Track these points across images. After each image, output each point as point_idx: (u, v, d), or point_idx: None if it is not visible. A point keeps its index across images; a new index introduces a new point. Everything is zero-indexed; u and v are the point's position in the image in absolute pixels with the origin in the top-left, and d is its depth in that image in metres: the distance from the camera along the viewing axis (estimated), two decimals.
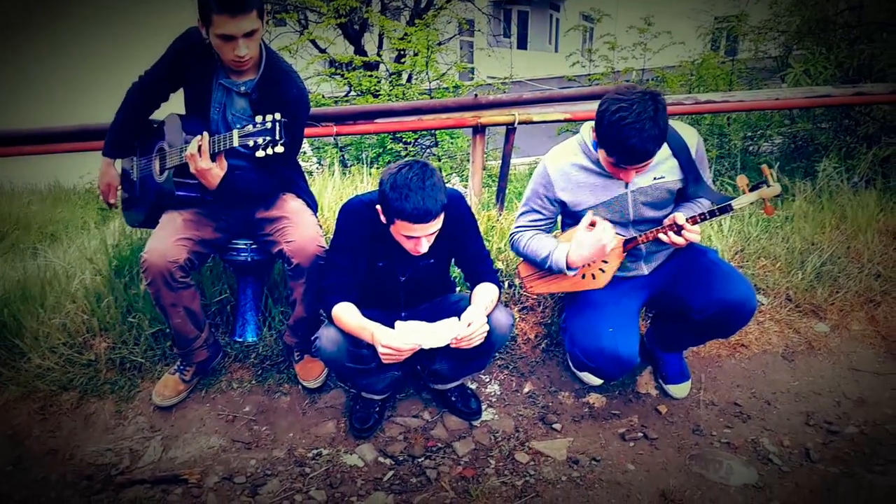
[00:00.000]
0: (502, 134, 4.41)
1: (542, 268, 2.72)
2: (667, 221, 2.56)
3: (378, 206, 2.39)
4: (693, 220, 2.52)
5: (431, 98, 7.54)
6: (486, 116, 4.21)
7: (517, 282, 3.40)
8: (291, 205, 2.85)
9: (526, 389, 3.11)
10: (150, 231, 2.83)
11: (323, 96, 8.36)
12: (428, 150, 7.54)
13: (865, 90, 4.71)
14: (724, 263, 2.74)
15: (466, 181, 4.91)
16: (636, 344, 2.65)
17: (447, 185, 2.44)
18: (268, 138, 2.43)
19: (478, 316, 2.40)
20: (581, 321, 2.73)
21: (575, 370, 3.12)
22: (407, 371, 2.95)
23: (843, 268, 3.76)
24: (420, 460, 2.71)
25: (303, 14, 10.07)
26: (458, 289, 2.98)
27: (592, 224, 2.55)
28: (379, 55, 9.90)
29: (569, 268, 2.60)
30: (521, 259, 2.87)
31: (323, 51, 9.58)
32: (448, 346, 2.37)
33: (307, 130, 3.51)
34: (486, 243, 3.08)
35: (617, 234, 2.67)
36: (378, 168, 6.11)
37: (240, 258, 2.95)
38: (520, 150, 6.27)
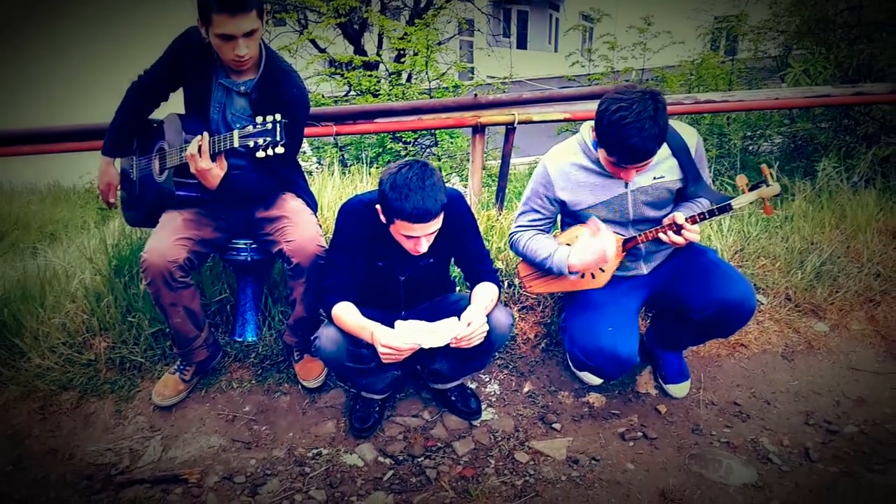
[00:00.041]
0: (502, 133, 4.41)
1: (542, 268, 2.72)
2: (666, 221, 2.57)
3: (378, 206, 2.39)
4: (692, 220, 2.52)
5: (431, 98, 7.54)
6: (486, 116, 4.21)
7: (517, 281, 3.40)
8: (291, 204, 2.85)
9: (526, 389, 3.11)
10: (150, 230, 2.83)
11: (323, 96, 8.36)
12: (428, 150, 7.54)
13: (865, 90, 4.71)
14: (723, 263, 2.75)
15: (466, 181, 4.91)
16: (635, 343, 2.65)
17: (447, 184, 2.44)
18: (268, 139, 2.43)
19: (477, 315, 2.40)
20: (580, 321, 2.73)
21: (574, 370, 3.12)
22: (407, 371, 2.95)
23: (843, 267, 3.77)
24: (420, 460, 2.71)
25: (302, 14, 10.07)
26: (457, 288, 2.98)
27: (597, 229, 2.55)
28: (378, 55, 9.90)
29: (570, 271, 2.61)
30: (521, 259, 2.88)
31: (323, 50, 9.57)
32: (448, 345, 2.37)
33: (307, 130, 3.51)
34: (486, 243, 3.08)
35: (616, 233, 2.67)
36: (378, 168, 6.11)
37: (239, 258, 2.95)
38: (519, 150, 6.28)
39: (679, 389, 3.07)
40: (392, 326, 2.37)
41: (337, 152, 7.22)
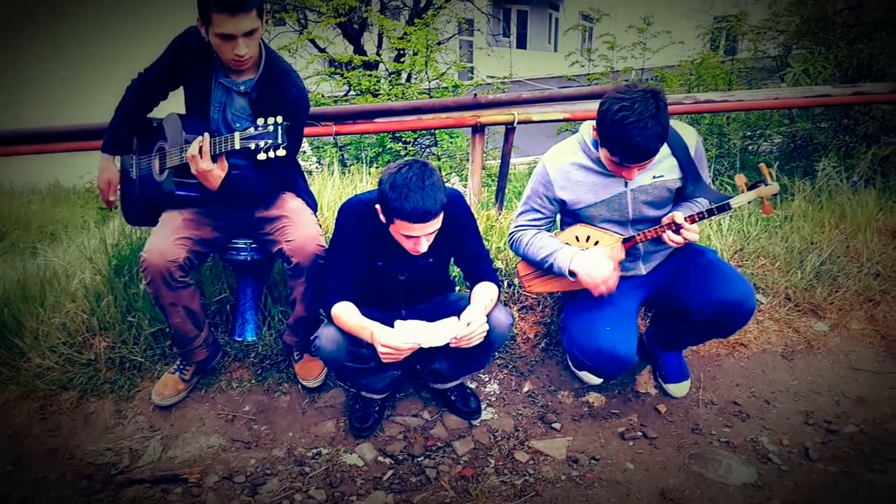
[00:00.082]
0: (502, 133, 4.41)
1: (542, 267, 2.72)
2: (665, 220, 2.57)
3: (377, 206, 2.39)
4: (691, 219, 2.52)
5: (431, 97, 7.53)
6: (486, 116, 4.21)
7: (516, 281, 3.40)
8: (291, 204, 2.85)
9: (525, 389, 3.11)
10: (150, 230, 2.83)
11: (322, 96, 8.35)
12: (427, 150, 7.54)
13: (864, 90, 4.72)
14: (722, 263, 2.75)
15: (466, 180, 4.91)
16: (634, 343, 2.65)
17: (446, 184, 2.44)
18: (269, 142, 2.43)
19: (477, 315, 2.40)
20: (579, 320, 2.74)
21: (574, 369, 3.12)
22: (406, 370, 2.95)
23: (843, 267, 3.77)
24: (420, 459, 2.71)
25: (302, 13, 10.06)
26: (457, 288, 2.98)
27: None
28: (378, 54, 9.89)
29: (570, 274, 2.61)
30: (520, 258, 2.88)
31: (322, 50, 9.56)
32: (447, 345, 2.37)
33: (307, 130, 3.51)
34: (486, 243, 3.08)
35: (615, 232, 2.67)
36: (377, 167, 6.11)
37: (239, 257, 2.95)
38: (519, 150, 6.28)
39: (679, 389, 3.07)
40: (392, 326, 2.37)
41: (337, 152, 7.22)
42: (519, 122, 4.22)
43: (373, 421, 2.83)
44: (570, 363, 3.15)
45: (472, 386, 3.10)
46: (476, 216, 2.94)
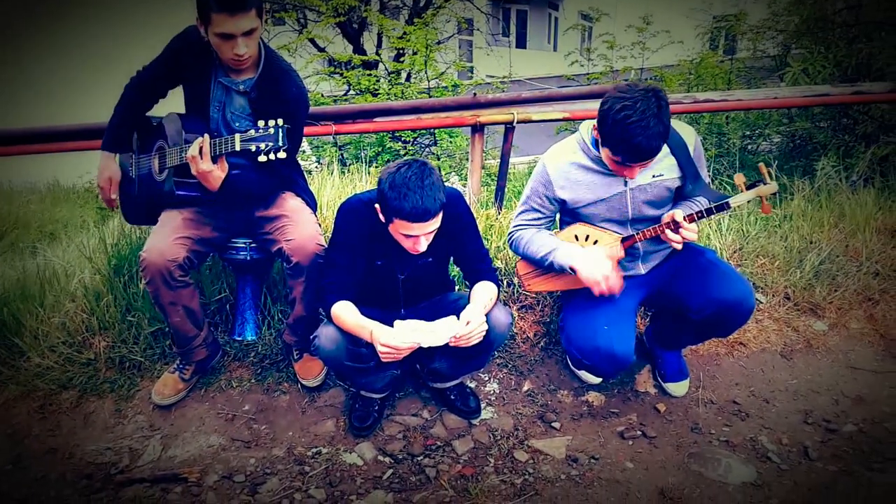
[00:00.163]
0: (501, 133, 4.41)
1: (542, 266, 2.73)
2: (665, 218, 2.56)
3: (377, 205, 2.39)
4: (690, 218, 2.52)
5: (430, 97, 7.53)
6: (485, 115, 4.21)
7: (516, 280, 3.41)
8: (291, 203, 2.85)
9: (525, 388, 3.11)
10: (149, 230, 2.82)
11: (322, 95, 8.34)
12: (427, 149, 7.53)
13: (864, 89, 4.72)
14: (722, 263, 2.75)
15: (465, 180, 4.92)
16: (632, 342, 2.65)
17: (446, 183, 2.44)
18: (270, 144, 2.44)
19: (476, 314, 2.40)
20: (577, 319, 2.74)
21: (573, 368, 3.13)
22: (406, 370, 2.96)
23: (842, 266, 3.77)
24: (419, 459, 2.71)
25: (302, 13, 10.06)
26: (456, 287, 2.98)
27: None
28: (378, 54, 9.88)
29: (571, 269, 2.61)
30: (520, 257, 2.88)
31: (322, 50, 9.56)
32: (447, 344, 2.37)
33: (306, 129, 3.51)
34: (485, 242, 3.08)
35: (615, 232, 2.67)
36: (377, 167, 6.11)
37: (239, 257, 2.95)
38: (519, 149, 6.27)
39: (678, 388, 3.07)
40: (391, 325, 2.37)
41: (336, 151, 7.21)
42: (518, 122, 4.22)
43: (372, 420, 2.83)
44: (569, 362, 3.15)
45: (472, 385, 3.10)
46: (475, 215, 2.94)
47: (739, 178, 2.50)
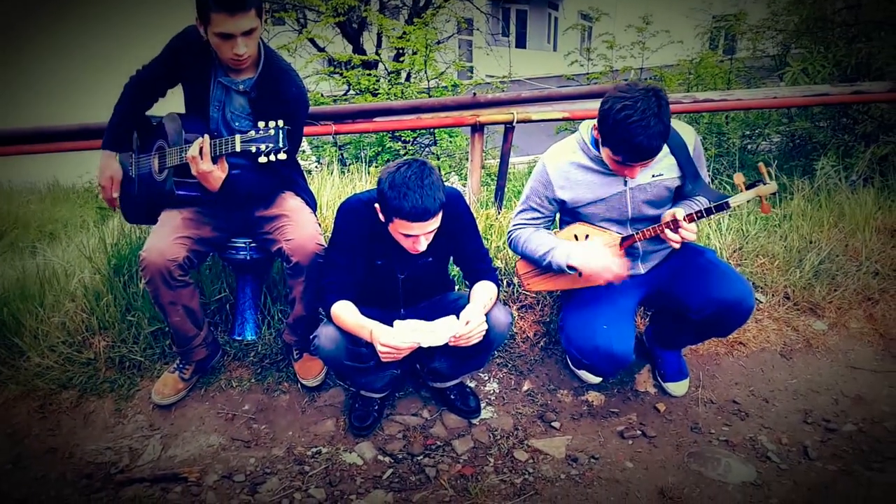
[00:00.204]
0: (501, 133, 4.41)
1: (541, 265, 2.73)
2: (666, 217, 2.55)
3: (376, 205, 2.39)
4: (690, 218, 2.52)
5: (430, 97, 7.53)
6: (485, 115, 4.21)
7: (516, 280, 3.41)
8: (290, 203, 2.85)
9: (525, 388, 3.12)
10: (149, 229, 2.82)
11: (322, 95, 8.34)
12: (427, 149, 7.53)
13: (863, 89, 4.72)
14: (721, 263, 2.75)
15: (465, 180, 4.92)
16: (631, 341, 2.66)
17: (446, 183, 2.44)
18: (270, 145, 2.44)
19: (476, 314, 2.40)
20: (576, 319, 2.74)
21: (573, 368, 3.13)
22: (406, 369, 2.96)
23: (841, 266, 3.77)
24: (419, 458, 2.71)
25: (301, 13, 10.06)
26: (456, 287, 2.98)
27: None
28: (378, 54, 9.88)
29: (568, 267, 2.61)
30: (519, 256, 2.88)
31: (322, 49, 9.55)
32: (447, 344, 2.37)
33: (306, 129, 3.51)
34: (485, 242, 3.09)
35: (615, 231, 2.67)
36: (377, 167, 6.11)
37: (239, 256, 2.95)
38: (518, 149, 6.27)
39: (678, 388, 3.07)
40: (391, 325, 2.37)
41: (336, 151, 7.21)
42: (518, 122, 4.22)
43: (372, 420, 2.83)
44: (569, 362, 3.16)
45: (472, 385, 3.10)
46: (475, 215, 2.94)
47: (739, 178, 2.50)
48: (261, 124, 2.46)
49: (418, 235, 2.34)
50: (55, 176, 8.88)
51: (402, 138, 7.25)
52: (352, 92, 8.59)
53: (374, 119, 4.16)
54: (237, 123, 2.70)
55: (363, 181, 4.51)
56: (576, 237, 2.71)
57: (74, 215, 6.84)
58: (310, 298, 2.77)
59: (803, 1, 6.14)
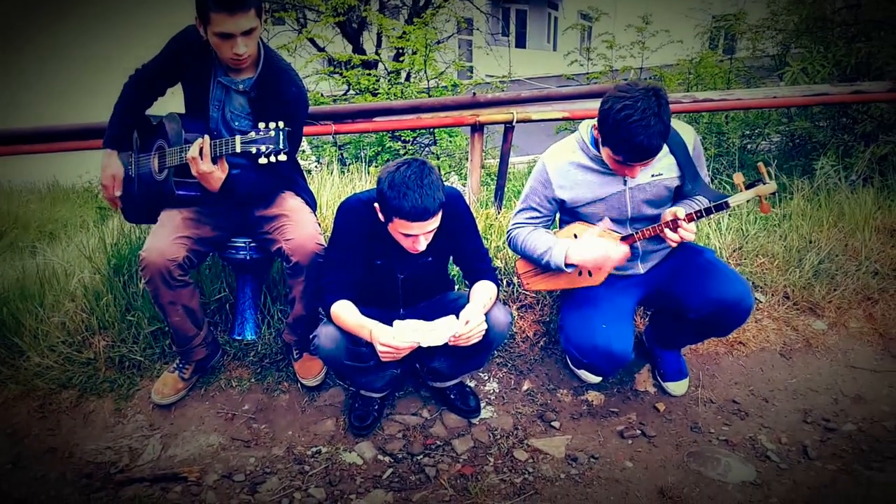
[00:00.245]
0: (501, 132, 4.41)
1: (540, 264, 2.73)
2: (666, 216, 2.55)
3: (376, 205, 2.39)
4: (689, 217, 2.52)
5: (430, 96, 7.53)
6: (485, 115, 4.21)
7: (516, 280, 3.41)
8: (290, 203, 2.85)
9: (524, 387, 3.12)
10: (149, 229, 2.82)
11: (322, 95, 8.33)
12: (426, 149, 7.53)
13: (863, 88, 4.72)
14: (720, 263, 2.75)
15: (465, 179, 4.92)
16: (630, 340, 2.66)
17: (446, 183, 2.44)
18: (271, 147, 2.44)
19: (476, 314, 2.40)
20: (575, 318, 2.74)
21: (573, 368, 3.13)
22: (406, 369, 2.96)
23: (841, 265, 3.77)
24: (419, 458, 2.71)
25: (301, 13, 10.05)
26: (456, 287, 2.98)
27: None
28: (377, 54, 9.87)
29: (567, 265, 2.61)
30: (519, 256, 2.88)
31: (321, 49, 9.55)
32: (447, 343, 2.37)
33: (306, 129, 3.51)
34: (485, 241, 3.08)
35: (614, 231, 2.67)
36: (376, 166, 6.10)
37: (238, 256, 2.95)
38: (518, 149, 6.27)
39: (678, 387, 3.07)
40: (391, 325, 2.37)
41: (336, 151, 7.21)
42: (518, 121, 4.22)
43: (372, 419, 2.83)
44: (568, 362, 3.16)
45: (472, 384, 3.10)
46: (475, 215, 2.94)
47: (738, 178, 2.50)
48: (261, 125, 2.45)
49: (418, 235, 2.34)
50: (55, 176, 8.87)
51: (402, 138, 7.25)
52: (351, 92, 8.59)
53: (374, 119, 4.16)
54: (237, 123, 2.70)
55: (363, 181, 4.51)
56: (575, 236, 2.71)
57: (74, 215, 6.84)
58: (309, 298, 2.77)
59: (803, 1, 6.14)
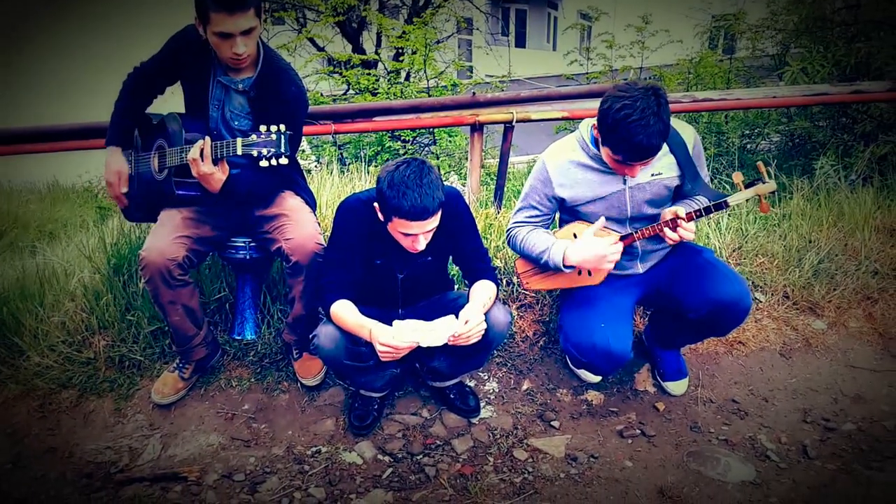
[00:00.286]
0: (500, 132, 4.41)
1: (538, 264, 2.73)
2: (666, 215, 2.55)
3: (375, 204, 2.39)
4: (689, 217, 2.52)
5: (430, 96, 7.53)
6: (485, 115, 4.21)
7: (515, 279, 3.41)
8: (290, 202, 2.85)
9: (524, 387, 3.12)
10: (149, 229, 2.82)
11: (321, 94, 8.33)
12: (426, 149, 7.53)
13: (863, 88, 4.73)
14: (719, 263, 2.75)
15: (465, 179, 4.92)
16: (629, 339, 2.66)
17: (445, 183, 2.44)
18: (272, 150, 2.44)
19: (475, 313, 2.40)
20: (575, 317, 2.74)
21: (573, 367, 3.13)
22: (405, 368, 2.96)
23: (841, 265, 3.77)
24: (419, 458, 2.71)
25: (301, 12, 10.04)
26: (456, 286, 2.98)
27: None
28: (377, 53, 9.87)
29: (565, 265, 2.61)
30: (518, 255, 2.88)
31: (321, 49, 9.55)
32: (446, 343, 2.37)
33: (306, 128, 3.51)
34: (485, 241, 3.09)
35: (613, 230, 2.67)
36: (376, 166, 6.10)
37: (238, 256, 2.95)
38: (518, 149, 6.27)
39: (677, 387, 3.07)
40: (390, 324, 2.37)
41: (336, 151, 7.21)
42: (517, 121, 4.23)
43: (372, 419, 2.83)
44: (568, 361, 3.16)
45: (471, 384, 3.10)
46: (475, 215, 2.95)
47: (738, 177, 2.50)
48: (262, 128, 2.45)
49: (417, 234, 2.34)
50: (55, 176, 8.86)
51: (402, 138, 7.25)
52: (351, 91, 8.59)
53: (374, 118, 4.17)
54: (236, 122, 2.70)
55: (363, 181, 4.51)
56: (574, 236, 2.71)
57: (74, 215, 6.84)
58: (309, 298, 2.77)
59: (802, 0, 6.14)
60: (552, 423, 2.91)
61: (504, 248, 3.52)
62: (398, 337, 2.32)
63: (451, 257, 2.79)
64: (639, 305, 3.14)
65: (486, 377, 3.15)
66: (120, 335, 3.06)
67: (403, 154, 6.99)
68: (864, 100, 4.98)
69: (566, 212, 2.77)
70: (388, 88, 7.92)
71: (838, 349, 3.40)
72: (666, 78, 7.35)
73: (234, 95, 2.69)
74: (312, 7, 9.40)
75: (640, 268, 2.82)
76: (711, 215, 2.56)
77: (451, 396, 2.94)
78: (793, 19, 6.37)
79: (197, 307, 2.81)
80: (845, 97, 4.75)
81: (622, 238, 2.66)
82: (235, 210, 2.83)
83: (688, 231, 2.50)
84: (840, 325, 3.54)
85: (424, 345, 2.34)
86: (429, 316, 2.46)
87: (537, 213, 2.74)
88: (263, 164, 2.46)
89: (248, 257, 2.95)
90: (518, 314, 3.38)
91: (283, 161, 2.47)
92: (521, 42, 26.94)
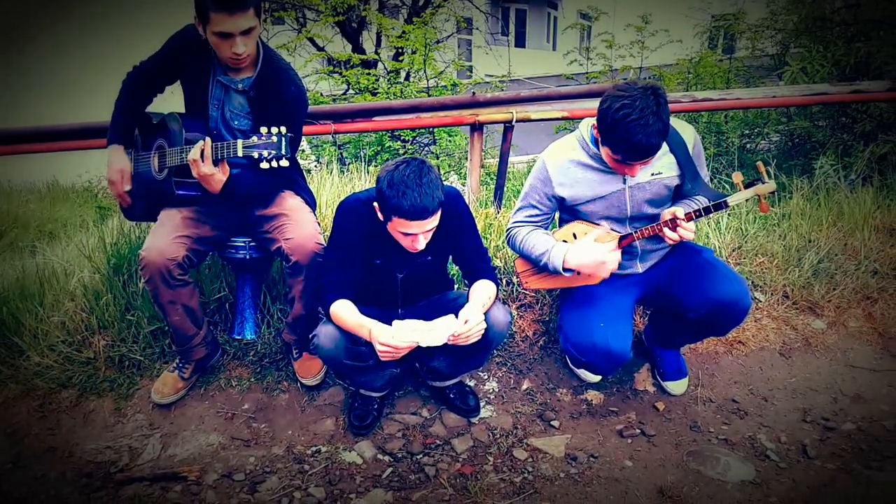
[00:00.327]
0: (500, 132, 4.41)
1: (538, 265, 2.73)
2: (666, 215, 2.55)
3: (375, 204, 2.39)
4: (688, 217, 2.52)
5: (429, 96, 7.53)
6: (484, 114, 4.21)
7: (515, 279, 3.41)
8: (290, 202, 2.85)
9: (524, 386, 3.12)
10: (149, 229, 2.82)
11: (321, 94, 8.33)
12: (426, 148, 7.53)
13: (862, 88, 4.73)
14: (718, 262, 2.75)
15: (464, 179, 4.92)
16: (628, 339, 2.66)
17: (445, 182, 2.44)
18: (273, 152, 2.44)
19: (475, 313, 2.40)
20: (574, 317, 2.74)
21: (572, 367, 3.13)
22: (405, 368, 2.96)
23: (840, 265, 3.77)
24: (419, 457, 2.71)
25: (301, 12, 10.04)
26: (455, 286, 2.98)
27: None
28: (377, 53, 9.87)
29: (564, 269, 2.61)
30: (517, 254, 2.88)
31: (321, 49, 9.55)
32: (446, 343, 2.37)
33: (306, 128, 3.51)
34: (484, 241, 3.09)
35: (613, 230, 2.68)
36: (376, 166, 6.11)
37: (238, 256, 2.95)
38: (518, 148, 6.27)
39: (677, 386, 3.07)
40: (390, 324, 2.37)
41: (335, 150, 7.21)
42: (517, 121, 4.23)
43: (372, 419, 2.83)
44: (568, 361, 3.16)
45: (471, 384, 3.10)
46: (475, 214, 2.95)
47: (737, 177, 2.50)
48: (263, 130, 2.46)
49: (417, 234, 2.34)
50: (55, 176, 8.86)
51: (402, 137, 7.26)
52: (351, 91, 8.59)
53: (374, 118, 4.17)
54: (236, 122, 2.70)
55: (362, 180, 4.51)
56: (574, 236, 2.71)
57: (74, 215, 6.84)
58: (309, 297, 2.77)
59: (802, 0, 6.14)
60: (552, 422, 2.92)
61: (504, 247, 3.52)
62: (398, 337, 2.32)
63: (450, 257, 2.79)
64: (638, 305, 3.14)
65: (486, 377, 3.16)
66: (120, 335, 3.06)
67: (403, 154, 6.99)
68: (863, 99, 4.99)
69: (566, 211, 2.77)
70: (388, 88, 7.92)
71: (838, 349, 3.40)
72: (666, 78, 7.36)
73: (233, 95, 2.69)
74: (312, 7, 9.41)
75: (640, 267, 2.82)
76: (711, 215, 2.56)
77: (451, 396, 2.94)
78: (792, 19, 6.37)
79: (197, 307, 2.81)
80: (845, 97, 4.75)
81: (622, 238, 2.67)
82: (235, 210, 2.83)
83: (687, 231, 2.50)
84: (840, 324, 3.54)
85: (424, 344, 2.34)
86: (429, 315, 2.46)
87: (537, 212, 2.74)
88: (264, 165, 2.46)
89: (247, 257, 2.95)
90: (518, 314, 3.38)
91: (284, 163, 2.47)
92: (520, 42, 26.93)
